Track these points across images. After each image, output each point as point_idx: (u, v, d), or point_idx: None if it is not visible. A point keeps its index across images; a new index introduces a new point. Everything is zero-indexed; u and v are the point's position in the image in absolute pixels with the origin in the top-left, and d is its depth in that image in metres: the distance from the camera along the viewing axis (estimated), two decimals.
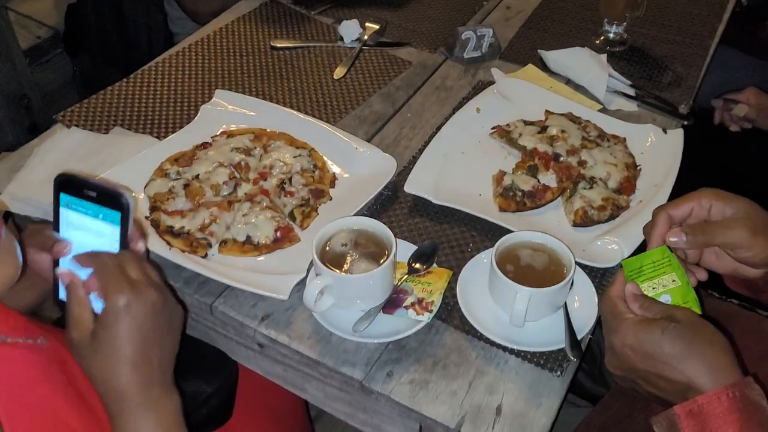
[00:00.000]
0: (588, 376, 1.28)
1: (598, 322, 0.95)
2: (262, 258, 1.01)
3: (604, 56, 1.39)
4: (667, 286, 0.83)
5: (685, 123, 1.27)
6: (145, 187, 1.09)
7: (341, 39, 1.51)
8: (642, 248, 1.01)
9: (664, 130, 1.21)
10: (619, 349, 0.76)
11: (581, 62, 1.37)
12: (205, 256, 1.00)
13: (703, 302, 0.85)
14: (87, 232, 0.81)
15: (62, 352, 0.82)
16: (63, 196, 0.80)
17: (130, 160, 1.12)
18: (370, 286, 0.91)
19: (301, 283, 0.96)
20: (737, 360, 0.73)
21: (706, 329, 0.74)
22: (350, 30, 1.51)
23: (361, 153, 1.17)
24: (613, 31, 1.50)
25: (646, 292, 0.82)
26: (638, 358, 0.74)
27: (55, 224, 0.82)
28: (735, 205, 0.81)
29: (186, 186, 1.09)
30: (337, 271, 0.90)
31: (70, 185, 0.79)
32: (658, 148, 1.19)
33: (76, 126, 1.22)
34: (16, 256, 0.82)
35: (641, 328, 0.74)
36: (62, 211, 0.81)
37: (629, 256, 0.87)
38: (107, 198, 0.78)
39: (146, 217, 1.05)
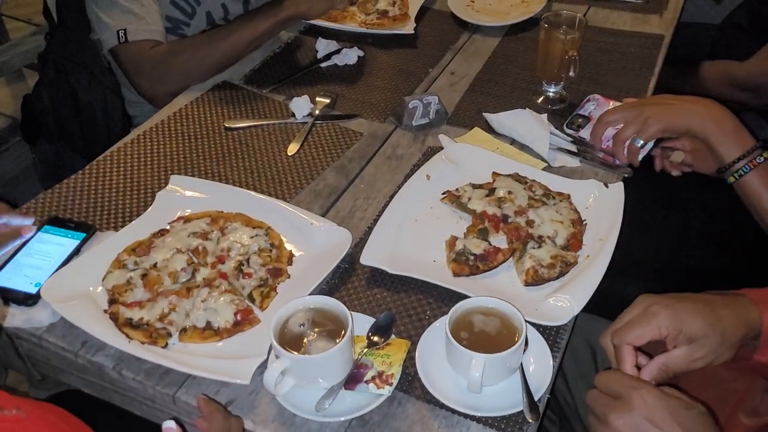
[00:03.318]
0: (556, 426, 1.29)
1: (555, 379, 0.97)
2: (221, 344, 1.02)
3: (544, 115, 1.45)
4: None
5: (626, 176, 1.33)
6: (102, 279, 1.10)
7: (293, 115, 1.55)
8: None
9: (606, 185, 1.26)
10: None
11: (523, 123, 1.43)
12: (165, 346, 1.01)
13: None
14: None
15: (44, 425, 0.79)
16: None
17: (87, 253, 1.13)
18: (329, 364, 0.92)
19: (264, 365, 0.97)
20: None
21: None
22: (301, 106, 1.55)
23: (316, 228, 1.20)
24: (551, 90, 1.57)
25: None
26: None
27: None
28: (689, 328, 0.84)
29: (144, 276, 1.10)
30: (295, 352, 0.92)
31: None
32: (601, 202, 1.24)
33: None
34: None
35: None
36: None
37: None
38: None
39: (105, 311, 1.05)
